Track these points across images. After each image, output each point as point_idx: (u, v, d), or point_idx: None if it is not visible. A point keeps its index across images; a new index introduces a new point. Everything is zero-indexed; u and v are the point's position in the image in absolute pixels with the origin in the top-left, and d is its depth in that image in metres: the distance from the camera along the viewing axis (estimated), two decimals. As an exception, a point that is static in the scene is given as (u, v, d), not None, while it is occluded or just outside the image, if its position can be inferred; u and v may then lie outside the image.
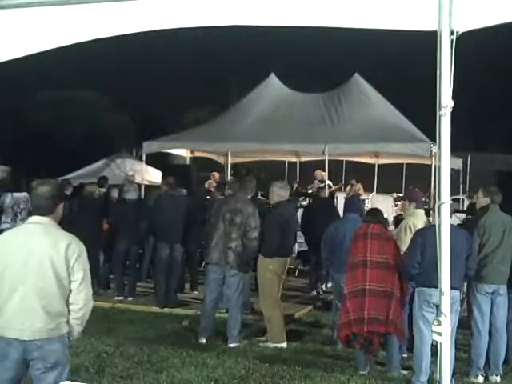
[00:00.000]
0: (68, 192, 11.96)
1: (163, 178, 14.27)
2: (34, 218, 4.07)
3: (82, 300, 4.01)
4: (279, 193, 8.22)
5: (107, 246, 11.14)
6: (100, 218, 10.92)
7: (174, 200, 10.04)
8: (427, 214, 7.87)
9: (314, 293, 11.39)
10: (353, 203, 8.45)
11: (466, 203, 16.73)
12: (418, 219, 7.67)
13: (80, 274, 3.98)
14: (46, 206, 4.05)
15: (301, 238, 13.87)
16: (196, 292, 10.80)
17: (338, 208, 14.99)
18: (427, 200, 13.17)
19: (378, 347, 6.84)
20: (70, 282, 3.97)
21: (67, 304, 4.00)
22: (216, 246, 8.00)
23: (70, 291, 3.98)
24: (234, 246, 7.91)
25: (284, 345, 7.94)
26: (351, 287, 6.74)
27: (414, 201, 7.84)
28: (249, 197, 8.41)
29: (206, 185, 15.60)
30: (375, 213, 7.24)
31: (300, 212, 12.48)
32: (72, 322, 4.05)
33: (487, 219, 6.89)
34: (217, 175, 16.52)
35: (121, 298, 10.40)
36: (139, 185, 14.73)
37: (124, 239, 10.50)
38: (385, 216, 7.80)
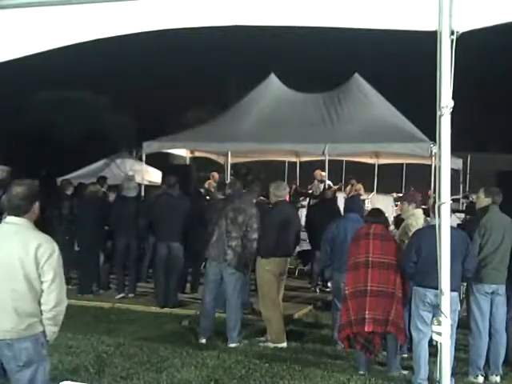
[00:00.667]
0: (69, 192, 11.95)
1: (163, 178, 14.30)
2: (9, 219, 4.08)
3: (52, 300, 4.00)
4: (276, 193, 8.24)
5: (106, 246, 11.15)
6: (100, 218, 10.91)
7: (173, 199, 10.04)
8: (426, 214, 7.87)
9: (316, 290, 11.43)
10: (353, 203, 8.46)
11: (462, 202, 16.72)
12: (418, 219, 7.69)
13: (50, 274, 3.96)
14: (20, 206, 4.05)
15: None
16: (196, 293, 10.79)
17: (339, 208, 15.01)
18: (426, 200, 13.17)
19: (380, 347, 6.84)
20: (40, 282, 3.96)
21: (39, 304, 4.00)
22: (216, 243, 8.02)
23: (42, 291, 3.98)
24: (234, 244, 7.92)
25: (284, 345, 7.94)
26: (352, 287, 6.75)
27: (413, 202, 7.86)
28: (254, 200, 8.46)
29: (206, 185, 15.61)
30: (377, 213, 7.24)
31: (300, 212, 12.49)
32: (44, 322, 4.04)
33: (488, 219, 6.89)
34: (216, 175, 16.52)
35: (122, 295, 10.40)
36: (139, 185, 14.75)
37: (123, 235, 10.52)
38: (386, 216, 7.81)
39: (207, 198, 12.25)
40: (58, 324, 4.11)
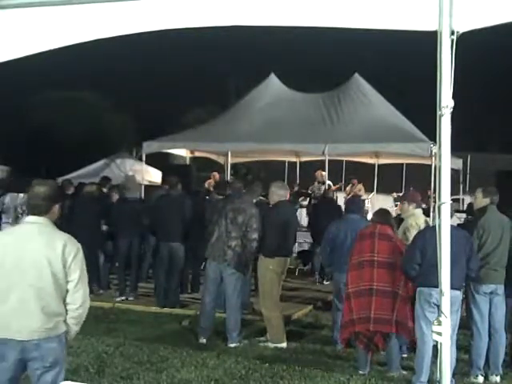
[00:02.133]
0: (69, 192, 11.95)
1: (164, 178, 14.31)
2: (30, 218, 4.08)
3: (79, 299, 4.01)
4: (278, 192, 8.23)
5: (107, 245, 11.14)
6: (99, 218, 10.91)
7: (174, 199, 10.04)
8: (426, 214, 7.88)
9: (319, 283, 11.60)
10: (354, 204, 8.46)
11: (467, 202, 16.72)
12: (418, 219, 7.69)
13: (77, 273, 3.98)
14: (41, 206, 4.05)
15: (301, 238, 13.91)
16: (197, 293, 10.78)
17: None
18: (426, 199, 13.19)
19: (384, 346, 6.83)
20: (66, 281, 3.97)
21: (64, 304, 4.01)
22: (216, 243, 8.02)
23: (67, 291, 3.99)
24: (234, 244, 7.92)
25: (284, 345, 7.94)
26: (355, 286, 6.74)
27: (413, 202, 7.85)
28: (254, 201, 8.45)
29: (206, 184, 15.61)
30: (384, 214, 7.23)
31: (300, 212, 12.53)
32: (69, 321, 4.05)
33: (486, 220, 6.88)
34: (217, 175, 16.54)
35: (123, 298, 10.39)
36: (139, 185, 14.75)
37: (125, 235, 10.50)
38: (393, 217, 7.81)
39: (207, 197, 12.23)
40: (81, 323, 4.13)
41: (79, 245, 4.07)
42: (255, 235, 7.90)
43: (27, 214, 4.14)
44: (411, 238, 7.17)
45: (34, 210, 4.07)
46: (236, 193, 8.41)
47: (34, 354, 3.96)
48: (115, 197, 11.44)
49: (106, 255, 11.29)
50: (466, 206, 15.42)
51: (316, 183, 16.25)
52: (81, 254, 4.03)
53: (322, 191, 15.49)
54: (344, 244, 7.55)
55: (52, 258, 3.94)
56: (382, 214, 7.27)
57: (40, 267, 3.93)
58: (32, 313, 3.93)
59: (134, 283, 10.61)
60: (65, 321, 4.04)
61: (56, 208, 4.14)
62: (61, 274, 3.95)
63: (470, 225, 7.28)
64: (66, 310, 4.02)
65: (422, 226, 7.44)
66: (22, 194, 11.41)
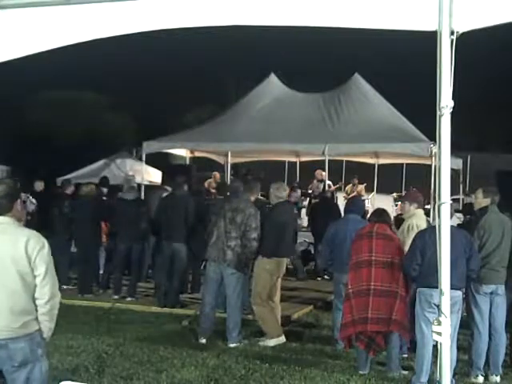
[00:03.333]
0: (69, 191, 11.94)
1: (164, 178, 14.31)
2: None
3: (47, 293, 3.99)
4: (276, 194, 8.26)
5: (109, 246, 11.15)
6: (99, 218, 10.91)
7: (178, 200, 10.03)
8: (426, 214, 7.87)
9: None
10: (354, 204, 8.46)
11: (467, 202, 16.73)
12: (420, 219, 7.67)
13: (43, 267, 3.96)
14: (2, 205, 4.05)
15: (300, 238, 13.91)
16: (197, 293, 10.78)
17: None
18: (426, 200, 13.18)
19: (384, 346, 6.83)
20: (34, 276, 3.95)
21: (34, 300, 3.99)
22: (215, 244, 8.02)
23: (35, 286, 3.97)
24: (233, 245, 7.92)
25: (282, 338, 7.96)
26: (355, 286, 6.74)
27: (415, 202, 7.81)
28: (253, 199, 8.42)
29: (206, 184, 15.61)
30: (381, 213, 7.24)
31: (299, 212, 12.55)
32: (40, 318, 4.02)
33: (487, 220, 6.88)
34: (218, 175, 16.53)
35: (116, 296, 10.37)
36: (139, 185, 14.75)
37: (125, 238, 10.49)
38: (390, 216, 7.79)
39: (206, 197, 12.23)
40: (54, 319, 4.09)
41: (44, 240, 4.04)
42: (255, 234, 7.90)
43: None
44: (409, 241, 7.18)
45: None
46: (234, 193, 8.41)
47: (1, 353, 3.94)
48: (114, 197, 11.45)
49: (107, 255, 11.29)
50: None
51: (315, 182, 16.25)
52: (46, 249, 4.00)
53: (321, 189, 15.53)
54: (344, 244, 7.55)
55: (16, 255, 3.93)
56: (379, 213, 7.27)
57: (5, 266, 3.92)
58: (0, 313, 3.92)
59: (134, 286, 10.60)
60: (36, 319, 4.01)
61: (17, 205, 4.13)
62: (27, 270, 3.93)
63: (469, 225, 7.26)
64: (36, 307, 3.99)
65: (422, 226, 7.42)
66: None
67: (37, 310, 4.00)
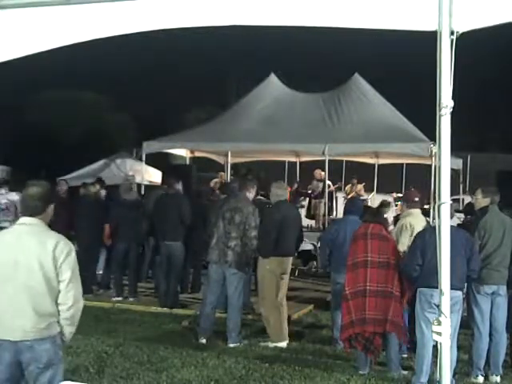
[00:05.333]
0: (63, 191, 11.78)
1: (163, 178, 14.30)
2: (24, 219, 4.09)
3: (70, 299, 4.00)
4: (276, 192, 8.23)
5: (110, 246, 11.14)
6: (100, 219, 10.90)
7: (174, 200, 10.03)
8: (426, 214, 7.86)
9: None
10: (353, 205, 8.44)
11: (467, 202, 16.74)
12: (415, 219, 7.68)
13: (68, 273, 3.97)
14: (35, 207, 4.06)
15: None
16: (197, 293, 10.77)
17: (339, 208, 15.02)
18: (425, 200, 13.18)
19: (380, 347, 6.84)
20: (58, 281, 3.96)
21: (56, 304, 4.00)
22: (216, 245, 8.02)
23: (59, 291, 3.98)
24: (234, 245, 7.91)
25: (284, 344, 7.94)
26: (352, 288, 6.75)
27: (410, 201, 7.89)
28: (250, 195, 8.35)
29: (212, 184, 15.62)
30: (375, 213, 7.24)
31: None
32: (62, 322, 4.03)
33: (487, 220, 6.87)
34: (224, 175, 16.56)
35: (119, 298, 10.38)
36: (139, 185, 14.75)
37: (124, 239, 10.49)
38: (385, 216, 7.80)
39: (210, 197, 12.20)
40: (75, 324, 4.11)
41: (71, 245, 4.07)
42: (255, 233, 7.89)
43: (21, 215, 4.13)
44: (403, 240, 7.20)
45: (28, 211, 4.07)
46: (232, 192, 8.40)
47: (27, 355, 3.95)
48: (114, 196, 11.43)
49: (108, 255, 11.29)
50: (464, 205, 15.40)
51: (315, 181, 16.25)
52: (73, 255, 4.02)
53: (321, 189, 15.53)
54: (343, 245, 7.54)
55: (43, 258, 3.94)
56: (373, 213, 7.28)
57: (32, 268, 3.93)
58: (25, 313, 3.93)
59: (134, 286, 10.59)
60: (58, 321, 4.03)
61: (50, 209, 4.14)
62: (52, 275, 3.94)
63: (470, 225, 7.26)
64: (59, 311, 4.01)
65: (417, 226, 7.44)
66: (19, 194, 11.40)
67: (59, 314, 4.01)
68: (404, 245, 7.34)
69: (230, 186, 8.71)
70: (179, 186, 10.24)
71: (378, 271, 6.64)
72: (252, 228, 7.88)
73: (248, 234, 7.88)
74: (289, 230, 8.11)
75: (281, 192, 8.27)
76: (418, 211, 7.89)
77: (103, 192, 12.13)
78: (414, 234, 7.18)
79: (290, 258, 8.38)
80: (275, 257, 7.98)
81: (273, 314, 8.03)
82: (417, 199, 8.04)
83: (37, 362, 3.96)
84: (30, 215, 4.06)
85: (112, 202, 11.44)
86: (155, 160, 17.22)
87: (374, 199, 17.55)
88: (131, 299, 10.36)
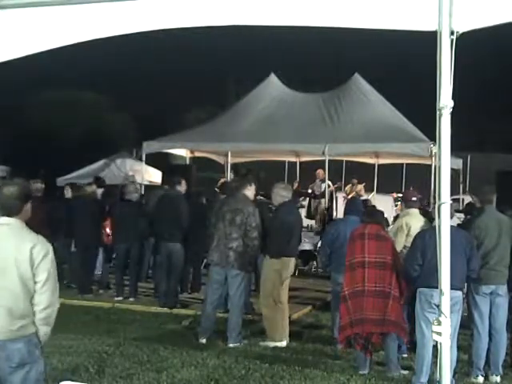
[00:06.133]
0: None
1: (164, 178, 14.31)
2: (1, 220, 4.05)
3: (45, 301, 3.96)
4: (282, 193, 8.23)
5: (107, 246, 11.15)
6: (97, 218, 10.90)
7: (170, 200, 10.03)
8: (426, 214, 7.86)
9: None
10: (354, 205, 8.45)
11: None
12: (413, 218, 7.69)
13: (44, 274, 3.93)
14: (12, 206, 4.03)
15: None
16: (197, 293, 10.77)
17: (339, 208, 15.01)
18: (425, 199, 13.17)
19: (380, 344, 6.84)
20: (34, 282, 3.93)
21: (32, 304, 3.97)
22: (217, 247, 8.01)
23: (35, 291, 3.95)
24: (235, 246, 7.90)
25: (283, 344, 7.94)
26: (351, 288, 6.75)
27: (408, 201, 7.94)
28: (249, 193, 8.32)
29: (219, 184, 15.63)
30: (373, 213, 7.25)
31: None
32: (37, 322, 4.00)
33: (482, 220, 6.87)
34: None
35: (120, 298, 10.38)
36: (140, 185, 14.74)
37: (124, 239, 10.50)
38: (385, 216, 7.81)
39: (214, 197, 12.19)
40: (50, 325, 4.07)
41: (50, 246, 4.03)
42: (256, 233, 7.88)
43: None
44: (399, 239, 7.22)
45: (5, 210, 4.04)
46: (231, 193, 8.39)
47: None
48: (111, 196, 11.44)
49: (106, 255, 11.29)
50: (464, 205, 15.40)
51: (317, 181, 16.26)
52: (50, 256, 3.98)
53: (323, 189, 15.54)
54: (343, 246, 7.54)
55: (20, 258, 3.91)
56: (371, 213, 7.29)
57: (7, 268, 3.91)
58: None
59: (134, 286, 10.60)
60: (34, 322, 4.00)
61: (28, 207, 4.11)
62: (28, 275, 3.91)
63: (467, 225, 7.25)
64: (34, 312, 3.98)
65: (414, 225, 7.46)
66: None
67: (34, 314, 3.99)
68: (400, 244, 7.36)
69: (230, 186, 8.71)
70: (180, 187, 10.25)
71: (375, 271, 6.65)
72: (253, 228, 7.88)
73: (249, 234, 7.87)
74: (295, 230, 8.15)
75: (286, 193, 8.27)
76: (415, 211, 7.90)
77: (99, 191, 12.14)
78: (411, 234, 7.21)
79: (294, 259, 8.41)
80: (284, 257, 8.00)
81: (275, 313, 8.03)
82: (414, 199, 8.06)
83: (9, 361, 3.94)
84: (7, 215, 4.03)
85: (110, 200, 11.46)
86: (155, 160, 17.22)
87: (374, 199, 17.56)
88: (131, 299, 10.36)
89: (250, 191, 8.29)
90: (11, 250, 3.94)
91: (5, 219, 4.04)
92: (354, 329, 6.74)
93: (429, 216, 7.51)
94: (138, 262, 10.86)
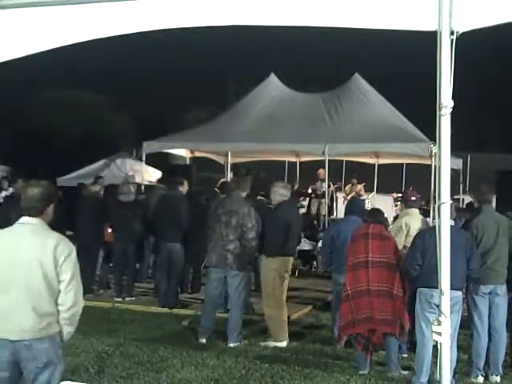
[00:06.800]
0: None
1: (163, 178, 14.30)
2: (24, 219, 4.08)
3: (70, 300, 3.99)
4: (281, 192, 8.22)
5: (107, 246, 11.14)
6: (100, 218, 10.90)
7: (170, 200, 10.03)
8: (426, 214, 7.89)
9: None
10: (354, 205, 8.47)
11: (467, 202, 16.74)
12: (412, 218, 7.70)
13: (68, 274, 3.96)
14: (35, 207, 4.06)
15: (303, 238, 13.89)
16: (197, 293, 10.77)
17: (339, 208, 15.02)
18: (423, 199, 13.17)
19: (380, 343, 6.84)
20: (58, 282, 3.96)
21: (56, 304, 3.99)
22: (214, 249, 7.99)
23: (59, 291, 3.97)
24: (233, 247, 7.88)
25: (284, 344, 7.94)
26: (354, 288, 6.75)
27: (408, 201, 7.95)
28: (244, 195, 8.33)
29: (219, 184, 15.63)
30: (376, 213, 7.26)
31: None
32: (61, 322, 4.03)
33: (479, 220, 6.87)
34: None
35: (120, 298, 10.38)
36: (139, 185, 14.75)
37: (121, 239, 10.50)
38: (385, 216, 7.82)
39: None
40: (75, 324, 4.10)
41: (72, 245, 4.06)
42: (253, 234, 7.87)
43: (22, 215, 4.13)
44: (398, 239, 7.22)
45: (28, 211, 4.07)
46: (227, 193, 8.39)
47: (25, 354, 3.94)
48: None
49: (106, 255, 11.28)
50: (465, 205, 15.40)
51: (319, 181, 16.27)
52: (73, 255, 4.01)
53: (323, 189, 15.55)
54: (344, 246, 7.56)
55: (43, 258, 3.93)
56: (374, 213, 7.30)
57: (31, 268, 3.93)
58: (23, 313, 3.92)
59: (131, 285, 10.59)
60: (58, 321, 4.02)
61: (50, 209, 4.13)
62: (52, 275, 3.94)
63: (465, 225, 7.26)
64: (58, 311, 4.00)
65: (413, 225, 7.46)
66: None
67: (59, 314, 4.01)
68: (400, 244, 7.37)
69: (229, 186, 8.71)
70: (182, 188, 10.25)
71: (379, 271, 6.65)
72: (249, 229, 7.85)
73: (246, 236, 7.85)
74: (292, 230, 8.14)
75: (286, 192, 8.27)
76: (415, 211, 7.92)
77: (101, 191, 12.16)
78: (411, 234, 7.22)
79: (292, 258, 8.41)
80: (281, 256, 7.99)
81: (276, 313, 8.03)
82: (414, 198, 8.07)
83: (36, 361, 3.96)
84: (30, 215, 4.06)
85: (111, 200, 11.46)
86: (155, 160, 17.23)
87: (374, 199, 17.57)
88: (129, 299, 10.36)
89: (244, 193, 8.29)
90: (34, 249, 3.96)
91: (27, 219, 4.07)
92: (355, 328, 6.74)
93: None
94: (135, 262, 10.85)
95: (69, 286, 3.98)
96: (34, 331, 3.94)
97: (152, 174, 18.41)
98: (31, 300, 3.93)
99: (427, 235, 6.23)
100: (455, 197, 15.58)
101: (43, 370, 3.98)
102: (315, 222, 16.14)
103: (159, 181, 13.12)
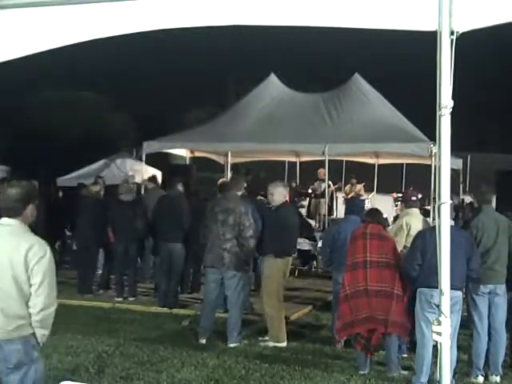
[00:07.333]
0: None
1: (163, 178, 14.29)
2: (3, 220, 4.05)
3: (40, 304, 3.94)
4: (284, 192, 8.25)
5: (108, 246, 11.15)
6: (100, 218, 10.89)
7: (170, 200, 10.03)
8: (426, 214, 7.90)
9: None
10: (354, 205, 8.48)
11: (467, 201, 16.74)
12: (413, 218, 7.70)
13: (39, 277, 3.91)
14: (14, 207, 4.02)
15: (300, 238, 13.89)
16: (197, 293, 10.77)
17: (339, 208, 15.03)
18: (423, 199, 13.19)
19: (380, 344, 6.85)
20: (29, 285, 3.92)
21: (28, 306, 3.96)
22: (211, 249, 7.98)
23: (30, 294, 3.93)
24: (229, 246, 7.87)
25: (284, 344, 7.94)
26: (352, 287, 6.76)
27: (408, 201, 7.96)
28: (239, 193, 8.32)
29: (218, 184, 15.63)
30: (374, 213, 7.26)
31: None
32: (33, 324, 3.98)
33: (479, 220, 6.87)
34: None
35: (120, 298, 10.39)
36: (139, 185, 14.75)
37: (121, 239, 10.50)
38: (385, 216, 7.83)
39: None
40: (47, 327, 4.05)
41: (47, 248, 4.00)
42: (250, 232, 7.85)
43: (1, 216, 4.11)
44: (399, 239, 7.23)
45: (7, 212, 4.04)
46: (222, 193, 8.40)
47: None
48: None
49: (106, 255, 11.29)
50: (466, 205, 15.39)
51: (319, 181, 16.27)
52: (47, 258, 3.94)
53: (323, 189, 15.56)
54: (344, 245, 7.56)
55: (15, 260, 3.90)
56: (372, 213, 7.30)
57: (2, 269, 3.90)
58: None
59: (132, 286, 10.59)
60: (31, 324, 3.98)
61: (30, 209, 4.08)
62: (23, 278, 3.90)
63: (465, 225, 7.26)
64: (29, 314, 3.96)
65: (414, 225, 7.47)
66: None
67: (30, 316, 3.97)
68: (400, 244, 7.37)
69: (224, 185, 8.73)
70: (180, 187, 10.25)
71: (377, 271, 6.65)
72: (247, 228, 7.84)
73: (243, 234, 7.84)
74: (294, 230, 8.19)
75: (285, 192, 8.31)
76: (416, 210, 7.93)
77: (102, 191, 12.15)
78: (411, 234, 7.22)
79: (291, 258, 8.43)
80: (288, 257, 8.05)
81: (278, 312, 8.04)
82: (414, 198, 8.09)
83: (6, 362, 3.94)
84: (9, 216, 4.03)
85: (111, 200, 11.46)
86: (155, 160, 17.22)
87: (374, 199, 17.57)
88: (130, 299, 10.37)
89: (239, 192, 8.31)
90: (8, 251, 3.93)
91: (6, 220, 4.04)
92: (355, 328, 6.74)
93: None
94: (136, 262, 10.85)
95: (39, 290, 3.92)
96: (3, 332, 3.92)
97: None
98: (1, 302, 3.90)
99: (427, 235, 6.23)
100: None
101: (14, 371, 3.96)
102: (313, 222, 16.14)
103: (149, 179, 13.05)
